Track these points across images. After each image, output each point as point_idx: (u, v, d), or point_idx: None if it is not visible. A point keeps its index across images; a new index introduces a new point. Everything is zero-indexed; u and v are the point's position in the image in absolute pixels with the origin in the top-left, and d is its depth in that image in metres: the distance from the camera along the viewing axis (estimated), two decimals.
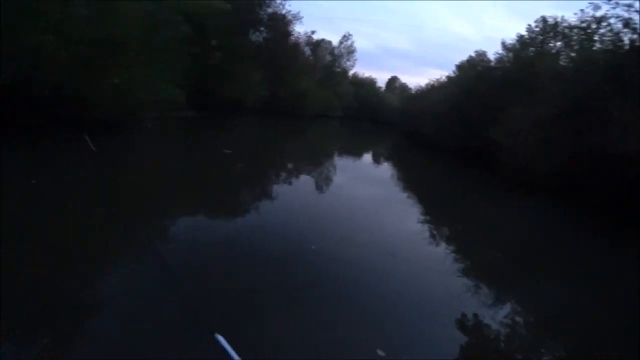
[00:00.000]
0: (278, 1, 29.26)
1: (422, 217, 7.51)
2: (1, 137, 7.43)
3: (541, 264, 5.97)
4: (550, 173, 11.03)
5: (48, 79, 8.17)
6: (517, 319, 3.91)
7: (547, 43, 17.47)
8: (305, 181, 9.43)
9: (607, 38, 12.14)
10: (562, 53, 16.05)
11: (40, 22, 7.64)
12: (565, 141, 10.88)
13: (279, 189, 8.27)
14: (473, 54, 23.63)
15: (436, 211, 8.75)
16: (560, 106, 11.43)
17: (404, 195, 10.00)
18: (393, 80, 73.43)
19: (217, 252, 4.25)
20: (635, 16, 10.58)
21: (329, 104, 43.60)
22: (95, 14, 8.97)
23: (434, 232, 6.72)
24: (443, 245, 6.15)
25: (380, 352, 2.80)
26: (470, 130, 18.22)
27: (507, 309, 4.19)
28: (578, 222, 9.60)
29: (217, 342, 1.66)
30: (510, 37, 20.09)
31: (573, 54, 14.73)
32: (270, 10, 29.11)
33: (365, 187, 9.99)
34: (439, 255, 5.44)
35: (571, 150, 10.63)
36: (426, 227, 6.85)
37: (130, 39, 9.90)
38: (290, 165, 11.43)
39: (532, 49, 18.04)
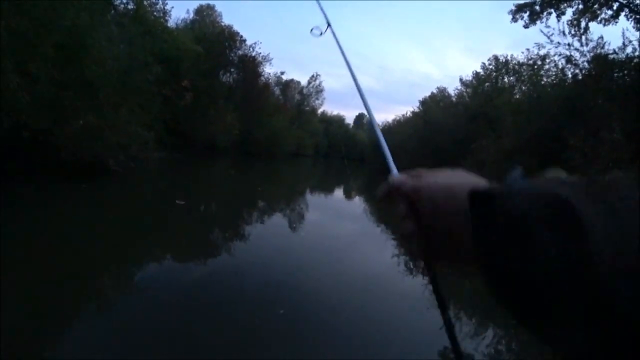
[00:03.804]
0: (248, 44, 30.22)
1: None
2: None
3: None
4: None
5: (8, 120, 7.64)
6: None
7: (501, 79, 19.04)
8: (278, 224, 8.56)
9: (552, 73, 13.41)
10: (515, 87, 17.49)
11: (1, 62, 7.26)
12: (533, 170, 11.45)
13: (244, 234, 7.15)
14: (435, 91, 25.33)
15: None
16: (522, 137, 12.14)
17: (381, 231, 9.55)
18: (360, 117, 76.35)
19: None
20: (575, 53, 11.77)
21: (301, 142, 44.23)
22: (65, 56, 8.72)
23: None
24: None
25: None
26: (442, 163, 18.86)
27: None
28: None
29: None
30: (467, 74, 21.98)
31: (524, 88, 16.05)
32: (240, 52, 29.92)
33: (343, 225, 9.70)
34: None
35: None
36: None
37: (101, 81, 9.65)
38: (262, 206, 10.86)
39: (487, 84, 19.54)
